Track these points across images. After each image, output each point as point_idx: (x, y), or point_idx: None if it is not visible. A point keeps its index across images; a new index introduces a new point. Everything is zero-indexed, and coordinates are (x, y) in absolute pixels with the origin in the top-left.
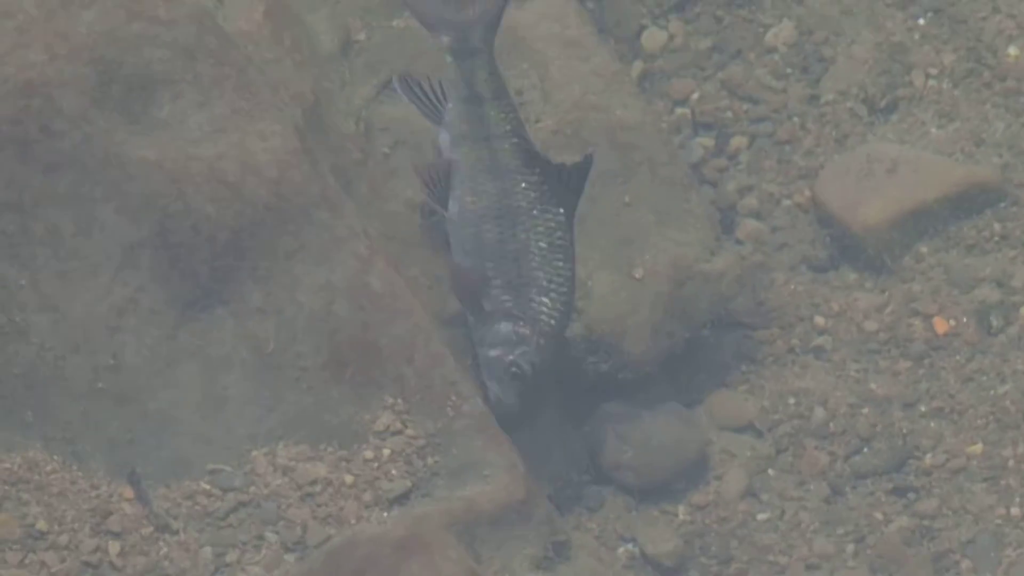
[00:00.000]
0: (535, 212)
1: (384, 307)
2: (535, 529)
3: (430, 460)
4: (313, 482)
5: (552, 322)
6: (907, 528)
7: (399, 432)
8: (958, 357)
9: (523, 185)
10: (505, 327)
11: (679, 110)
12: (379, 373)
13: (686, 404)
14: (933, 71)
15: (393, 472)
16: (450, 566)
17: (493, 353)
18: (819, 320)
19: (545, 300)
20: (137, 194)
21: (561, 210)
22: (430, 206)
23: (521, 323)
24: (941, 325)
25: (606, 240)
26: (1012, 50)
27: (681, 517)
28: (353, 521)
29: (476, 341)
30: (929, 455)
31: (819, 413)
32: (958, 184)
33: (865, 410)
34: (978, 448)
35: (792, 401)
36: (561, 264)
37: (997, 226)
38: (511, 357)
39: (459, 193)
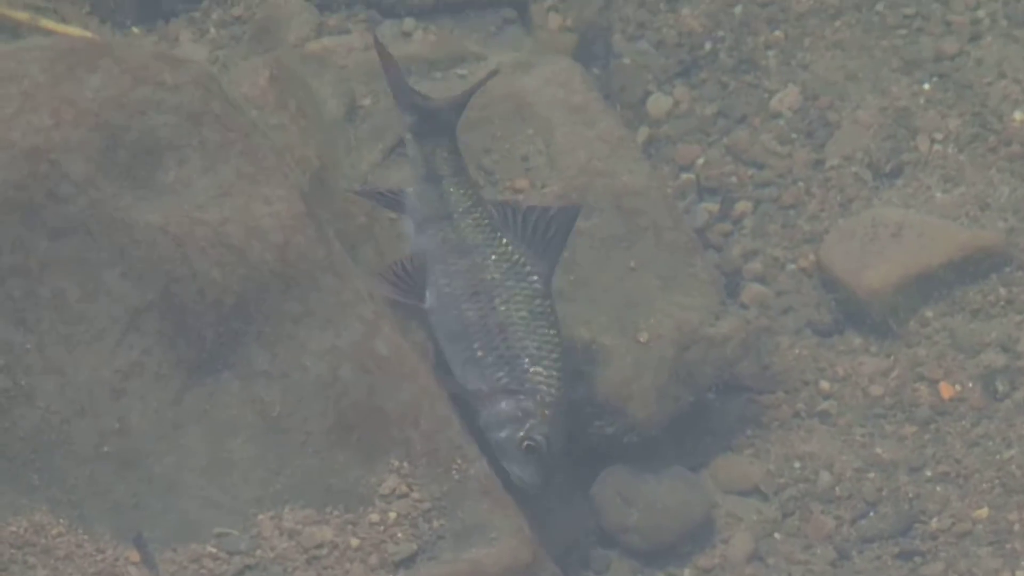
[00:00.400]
0: (510, 283)
1: (390, 371)
2: None
3: (436, 523)
4: (319, 545)
5: (552, 390)
6: None
7: (405, 495)
8: (964, 422)
9: (493, 258)
10: (507, 405)
11: (684, 175)
12: (385, 437)
13: (691, 467)
14: (938, 136)
15: (399, 535)
16: None
17: (503, 435)
18: (824, 384)
19: (539, 369)
20: (142, 259)
21: (536, 277)
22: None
23: (522, 397)
24: (947, 390)
25: (611, 304)
26: (1018, 115)
27: None
28: None
29: (483, 427)
30: (935, 519)
31: (825, 477)
32: (963, 248)
33: (871, 474)
34: (984, 512)
35: (798, 465)
36: (546, 330)
37: (1002, 291)
38: (521, 434)
39: (433, 279)
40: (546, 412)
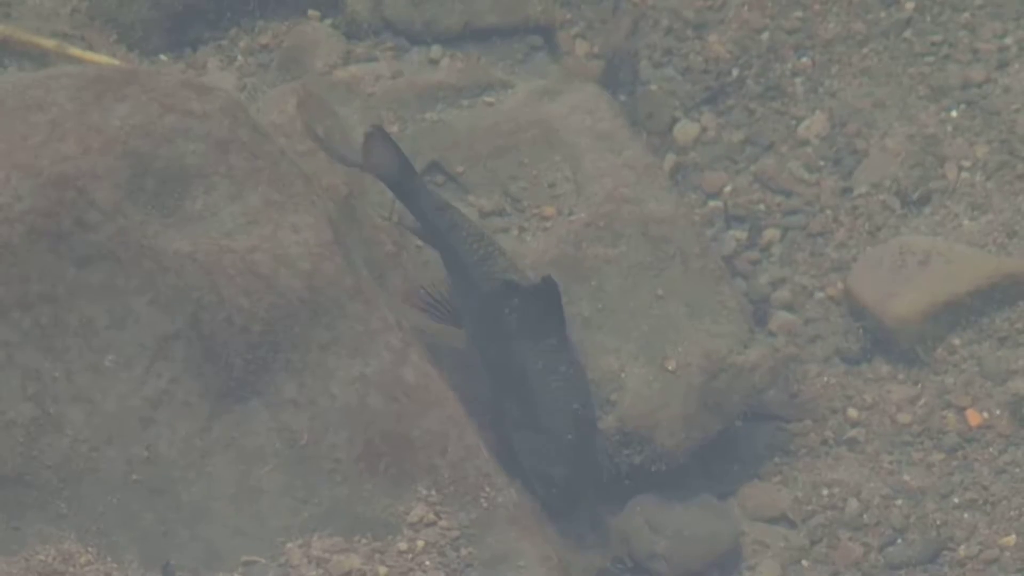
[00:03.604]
0: (525, 339)
1: (418, 399)
2: None
3: (464, 551)
4: (347, 574)
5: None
6: None
7: (433, 523)
8: (991, 449)
9: (506, 311)
10: (528, 437)
11: (712, 203)
12: (413, 465)
13: (719, 495)
14: (966, 163)
15: (427, 563)
16: None
17: (526, 462)
18: (852, 412)
19: (553, 412)
20: (171, 286)
21: (552, 337)
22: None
23: (540, 436)
24: (974, 417)
25: (639, 332)
26: None
27: None
28: None
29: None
30: (963, 546)
31: (853, 504)
32: (991, 276)
33: (899, 502)
34: (1011, 540)
35: (826, 492)
36: (559, 376)
37: None
38: (540, 465)
39: (464, 315)
40: (562, 450)
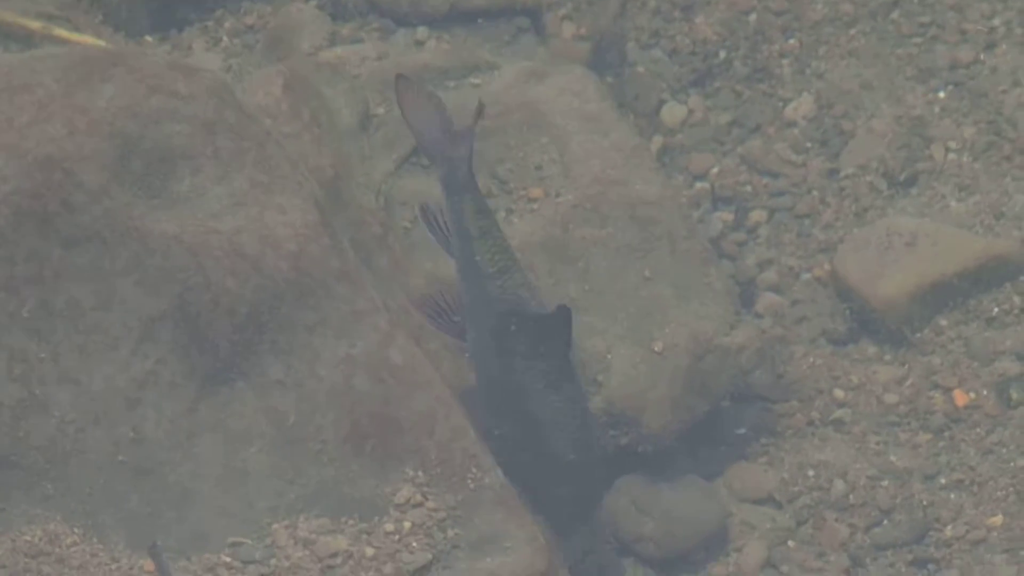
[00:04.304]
0: (530, 357)
1: (405, 380)
2: None
3: (451, 532)
4: (334, 555)
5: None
6: None
7: (420, 505)
8: (978, 430)
9: (514, 327)
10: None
11: (699, 184)
12: (400, 446)
13: (706, 476)
14: (953, 144)
15: (414, 544)
16: None
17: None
18: (839, 393)
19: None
20: (157, 268)
21: (556, 358)
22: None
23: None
24: (961, 398)
25: (626, 313)
26: None
27: None
28: None
29: None
30: (949, 527)
31: (839, 485)
32: (978, 257)
33: (885, 482)
34: (998, 520)
35: (812, 473)
36: (563, 403)
37: (1017, 299)
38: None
39: (470, 327)
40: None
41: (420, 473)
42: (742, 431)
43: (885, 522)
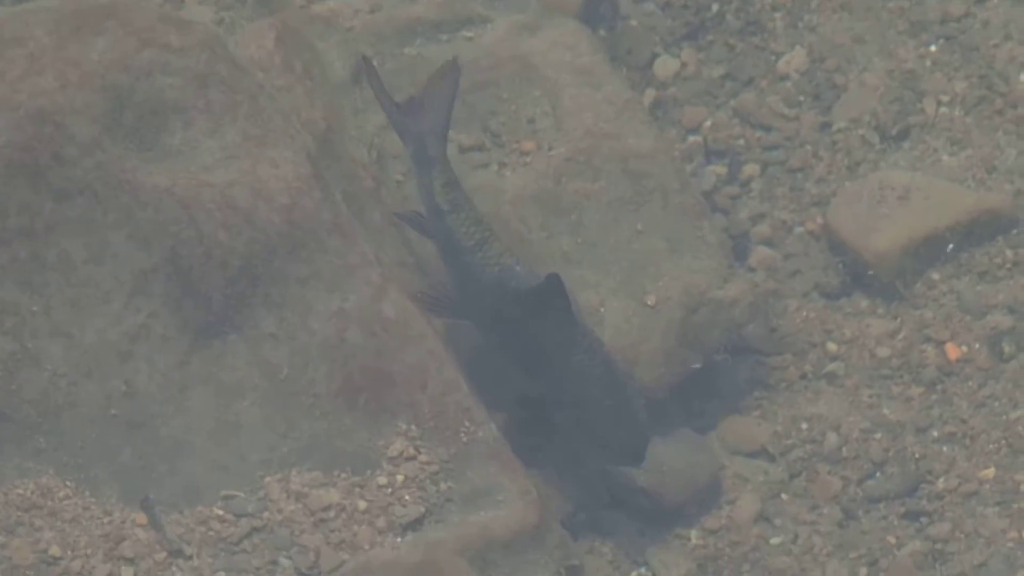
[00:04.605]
0: (531, 323)
1: (397, 334)
2: (548, 554)
3: (443, 486)
4: (326, 508)
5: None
6: (920, 552)
7: (412, 458)
8: (970, 383)
9: (511, 297)
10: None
11: (691, 138)
12: (392, 400)
13: (699, 430)
14: (945, 99)
15: (407, 498)
16: None
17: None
18: (831, 346)
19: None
20: (149, 221)
21: (558, 321)
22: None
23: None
24: (953, 351)
25: (619, 267)
26: (1023, 77)
27: (694, 541)
28: (367, 547)
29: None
30: (942, 479)
31: (832, 438)
32: (970, 211)
33: (878, 435)
34: (990, 472)
35: (805, 426)
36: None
37: (1009, 253)
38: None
39: (465, 303)
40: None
41: (413, 427)
42: (735, 384)
43: (878, 475)
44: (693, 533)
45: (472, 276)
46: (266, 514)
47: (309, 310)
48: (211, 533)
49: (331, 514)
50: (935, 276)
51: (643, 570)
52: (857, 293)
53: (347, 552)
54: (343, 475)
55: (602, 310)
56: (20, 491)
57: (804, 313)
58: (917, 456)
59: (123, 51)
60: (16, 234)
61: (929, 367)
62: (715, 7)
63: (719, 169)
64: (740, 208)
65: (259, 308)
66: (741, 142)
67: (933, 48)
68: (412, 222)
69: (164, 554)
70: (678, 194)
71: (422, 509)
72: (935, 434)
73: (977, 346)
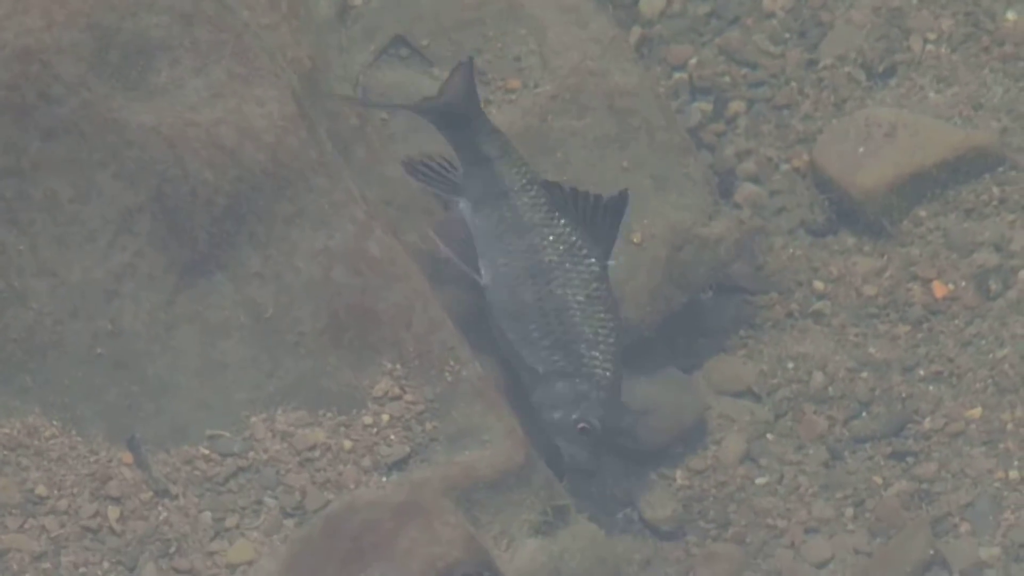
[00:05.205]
0: (567, 266)
1: (382, 272)
2: (534, 494)
3: (429, 425)
4: (312, 447)
5: (608, 374)
6: (906, 492)
7: (398, 397)
8: (957, 321)
9: (551, 238)
10: (563, 387)
11: (677, 75)
12: (377, 338)
13: (684, 369)
14: (931, 36)
15: (392, 437)
16: (448, 531)
17: (556, 415)
18: (818, 285)
19: (596, 354)
20: (135, 159)
21: (593, 260)
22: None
23: (577, 380)
24: (940, 289)
25: None
26: (1010, 15)
27: (679, 482)
28: (352, 486)
29: (536, 405)
30: (928, 419)
31: (818, 377)
32: (957, 148)
33: (864, 374)
34: (977, 412)
35: (791, 366)
36: (603, 315)
37: (996, 190)
38: (575, 416)
39: (490, 257)
40: (601, 395)
41: (398, 366)
42: (721, 323)
43: (864, 414)
44: (678, 473)
45: (516, 218)
46: (251, 454)
47: (294, 249)
48: (197, 473)
49: (316, 453)
50: (922, 213)
51: (628, 510)
52: (843, 231)
53: (332, 492)
54: (328, 414)
55: None
56: (6, 430)
57: (790, 251)
58: (903, 396)
59: None
60: (2, 173)
61: (916, 305)
62: None
63: (705, 106)
64: (726, 145)
65: (245, 247)
66: (727, 79)
67: None
68: (431, 179)
69: (150, 494)
70: (664, 131)
71: (407, 449)
72: (921, 373)
73: (964, 284)
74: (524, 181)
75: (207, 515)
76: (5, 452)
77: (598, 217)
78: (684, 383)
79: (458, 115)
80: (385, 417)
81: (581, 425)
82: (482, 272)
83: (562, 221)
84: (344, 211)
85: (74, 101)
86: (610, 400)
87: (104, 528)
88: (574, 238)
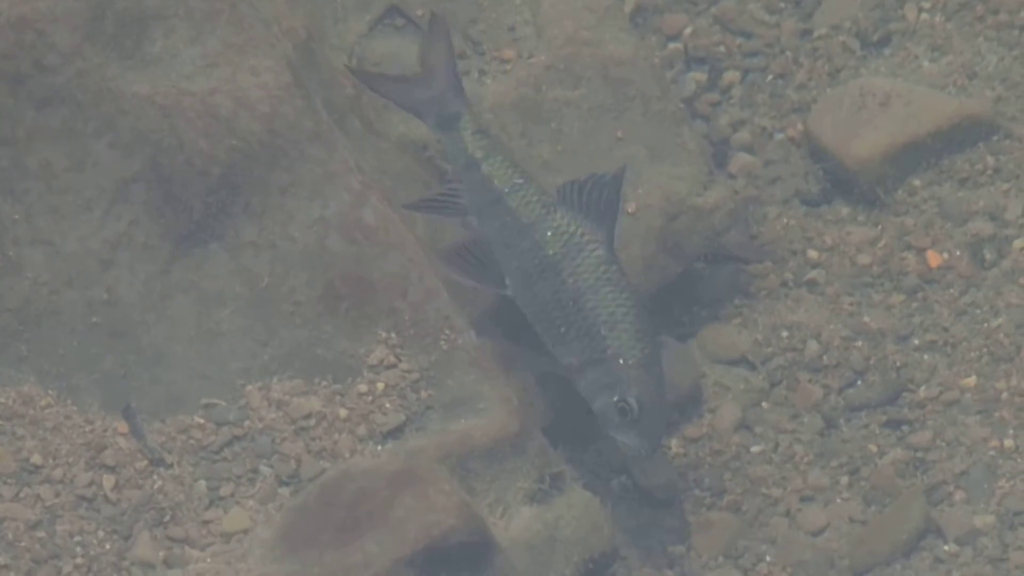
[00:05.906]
0: (572, 256)
1: (378, 241)
2: (529, 462)
3: (424, 394)
4: (307, 416)
5: (635, 351)
6: (901, 460)
7: (393, 366)
8: (951, 290)
9: (549, 234)
10: (596, 374)
11: (672, 45)
12: (373, 307)
13: (679, 337)
14: (926, 5)
15: (387, 406)
16: (443, 499)
17: (599, 405)
18: (812, 254)
19: (618, 334)
20: (130, 129)
21: (595, 244)
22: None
23: (607, 364)
24: (934, 258)
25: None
26: None
27: (674, 450)
28: (347, 455)
29: (587, 401)
30: (923, 388)
31: (812, 346)
32: (951, 117)
33: (859, 343)
34: (971, 381)
35: (785, 334)
36: (617, 295)
37: (990, 159)
38: (615, 399)
39: (507, 264)
40: (632, 373)
41: (393, 334)
42: (715, 292)
43: (859, 383)
44: (673, 441)
45: (514, 219)
46: (247, 422)
47: (290, 218)
48: (192, 441)
49: (312, 422)
50: (916, 182)
51: (623, 478)
52: (838, 200)
53: (327, 460)
54: (324, 383)
55: None
56: (2, 399)
57: (784, 220)
58: (898, 364)
59: None
60: None
61: (910, 274)
62: None
63: (699, 76)
64: (720, 115)
65: (240, 216)
66: (721, 49)
67: None
68: (436, 207)
69: (145, 463)
70: (658, 101)
71: (402, 417)
72: (916, 342)
73: (958, 253)
74: (515, 181)
75: (202, 484)
76: (0, 422)
77: (597, 199)
78: (679, 351)
79: (449, 112)
80: (380, 386)
81: (620, 405)
82: (507, 282)
83: (558, 213)
84: (339, 180)
85: (69, 70)
86: (645, 376)
87: (99, 497)
88: (573, 227)
